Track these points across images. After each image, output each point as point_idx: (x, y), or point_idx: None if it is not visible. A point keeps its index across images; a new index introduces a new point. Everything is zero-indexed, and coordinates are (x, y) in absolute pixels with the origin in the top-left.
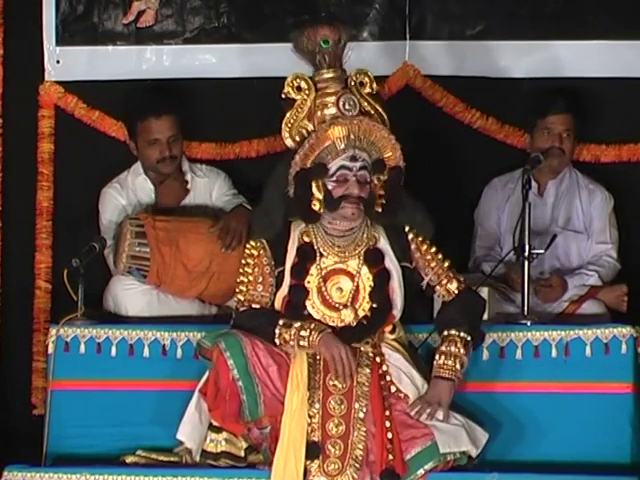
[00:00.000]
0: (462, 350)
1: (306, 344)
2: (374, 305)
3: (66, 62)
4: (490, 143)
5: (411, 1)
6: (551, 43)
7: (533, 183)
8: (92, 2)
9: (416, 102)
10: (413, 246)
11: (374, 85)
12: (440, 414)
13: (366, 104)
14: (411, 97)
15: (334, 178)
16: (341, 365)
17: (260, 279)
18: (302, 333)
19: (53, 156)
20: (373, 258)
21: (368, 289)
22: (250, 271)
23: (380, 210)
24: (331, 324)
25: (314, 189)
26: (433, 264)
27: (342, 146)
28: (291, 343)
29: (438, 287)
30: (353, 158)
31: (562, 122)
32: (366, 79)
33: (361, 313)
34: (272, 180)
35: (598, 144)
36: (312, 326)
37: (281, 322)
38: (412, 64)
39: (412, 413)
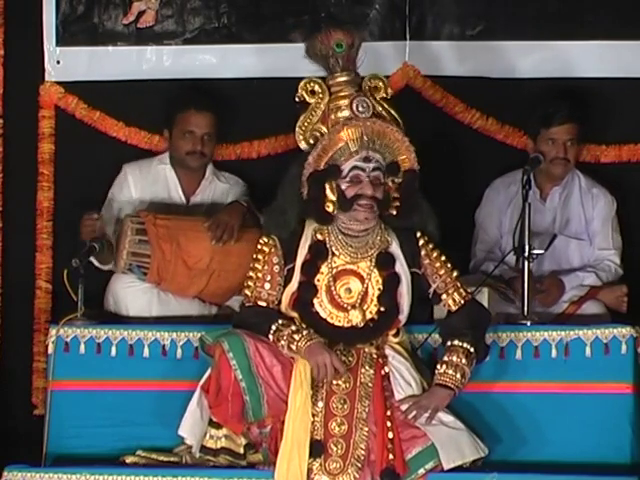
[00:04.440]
0: (464, 360)
1: (294, 348)
2: (382, 308)
3: (66, 62)
4: (490, 143)
5: (411, 1)
6: (551, 43)
7: (536, 189)
8: (92, 2)
9: (416, 102)
10: (423, 252)
11: (388, 90)
12: (427, 417)
13: (380, 108)
14: (411, 97)
15: (347, 179)
16: (324, 371)
17: (268, 277)
18: (295, 337)
19: (53, 156)
20: (384, 262)
21: (377, 292)
22: (260, 267)
23: (395, 213)
24: (338, 324)
25: (327, 191)
26: (441, 272)
27: (355, 147)
28: (282, 343)
29: (444, 296)
30: (366, 159)
31: (566, 132)
32: (380, 84)
33: (368, 315)
34: (287, 180)
35: (598, 144)
36: (304, 333)
37: (280, 321)
38: (412, 64)
39: (402, 408)
